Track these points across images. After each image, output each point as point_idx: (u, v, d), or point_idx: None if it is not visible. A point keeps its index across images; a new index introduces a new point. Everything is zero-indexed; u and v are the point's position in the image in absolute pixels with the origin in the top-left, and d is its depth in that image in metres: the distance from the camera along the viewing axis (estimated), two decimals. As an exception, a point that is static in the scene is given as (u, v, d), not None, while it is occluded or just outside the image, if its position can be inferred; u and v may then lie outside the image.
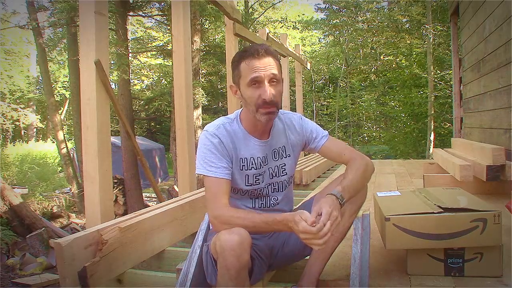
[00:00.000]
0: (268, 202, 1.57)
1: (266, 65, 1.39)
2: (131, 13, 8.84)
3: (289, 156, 1.59)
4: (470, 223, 1.52)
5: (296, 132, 1.60)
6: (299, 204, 1.73)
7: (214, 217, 1.39)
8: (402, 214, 1.58)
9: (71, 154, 10.51)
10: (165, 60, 14.49)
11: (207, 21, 11.32)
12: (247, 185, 1.51)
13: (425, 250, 1.59)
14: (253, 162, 1.50)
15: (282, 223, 1.27)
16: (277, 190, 1.58)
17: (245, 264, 1.28)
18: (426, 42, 12.13)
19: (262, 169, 1.52)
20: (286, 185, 1.60)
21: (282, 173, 1.57)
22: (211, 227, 1.61)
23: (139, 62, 16.12)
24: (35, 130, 19.01)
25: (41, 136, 18.78)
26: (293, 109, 9.45)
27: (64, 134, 10.46)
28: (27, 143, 15.49)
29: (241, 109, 1.55)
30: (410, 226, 1.54)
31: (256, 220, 1.33)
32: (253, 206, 1.55)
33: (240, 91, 1.45)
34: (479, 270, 1.57)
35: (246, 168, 1.50)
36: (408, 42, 13.63)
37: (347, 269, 1.61)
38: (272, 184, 1.56)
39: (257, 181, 1.52)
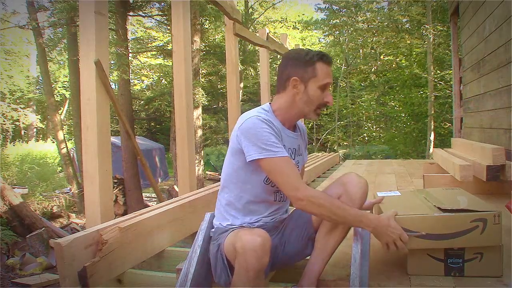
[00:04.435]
0: (284, 196, 1.59)
1: (332, 75, 1.54)
2: (131, 13, 8.84)
3: (301, 155, 1.66)
4: (470, 223, 1.52)
5: (304, 139, 1.71)
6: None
7: (306, 198, 1.39)
8: (402, 215, 1.57)
9: (71, 154, 10.51)
10: (165, 60, 14.50)
11: (207, 21, 11.33)
12: None
13: (425, 250, 1.59)
14: (293, 152, 1.56)
15: (372, 222, 1.41)
16: None
17: (265, 266, 1.29)
18: (426, 42, 12.14)
19: (293, 160, 1.55)
20: None
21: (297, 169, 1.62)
22: (214, 227, 1.60)
23: (139, 62, 16.13)
24: (35, 130, 19.00)
25: (41, 136, 18.77)
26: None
27: (64, 134, 10.47)
28: (27, 143, 15.48)
29: (266, 103, 1.59)
30: (410, 226, 1.54)
31: (349, 212, 1.41)
32: (275, 199, 1.57)
33: (306, 88, 1.50)
34: (479, 270, 1.57)
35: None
36: (408, 42, 13.63)
37: (347, 269, 1.61)
38: None
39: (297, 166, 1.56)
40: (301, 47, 10.60)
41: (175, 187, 8.01)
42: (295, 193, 1.40)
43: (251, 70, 15.85)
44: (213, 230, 1.60)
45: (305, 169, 4.82)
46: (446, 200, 1.67)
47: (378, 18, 14.18)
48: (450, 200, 1.70)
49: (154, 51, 13.42)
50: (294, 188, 1.40)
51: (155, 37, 15.94)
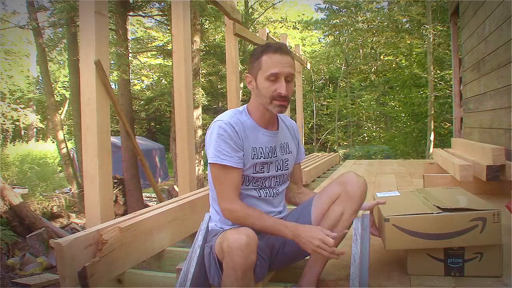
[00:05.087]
0: (271, 192, 1.61)
1: (285, 63, 1.48)
2: (131, 13, 8.84)
3: (291, 153, 1.66)
4: (469, 222, 1.52)
5: (295, 136, 1.71)
6: (300, 205, 1.73)
7: (227, 210, 1.47)
8: (401, 215, 1.58)
9: (71, 154, 10.51)
10: (165, 60, 14.50)
11: (207, 21, 11.32)
12: (254, 172, 1.55)
13: (425, 250, 1.59)
14: (262, 151, 1.55)
15: (290, 230, 1.42)
16: (279, 184, 1.63)
17: (251, 264, 1.30)
18: (426, 42, 12.13)
19: (270, 159, 1.56)
20: (286, 180, 1.67)
21: (285, 167, 1.63)
22: (210, 228, 1.61)
23: (139, 62, 16.13)
24: (35, 130, 19.00)
25: (41, 136, 18.77)
26: (293, 109, 9.44)
27: (64, 134, 10.47)
28: (27, 143, 15.48)
29: (246, 103, 1.61)
30: (410, 226, 1.54)
31: (266, 223, 1.44)
32: (260, 196, 1.58)
33: (256, 82, 1.52)
34: (479, 270, 1.57)
35: (256, 157, 1.53)
36: (408, 42, 13.62)
37: (347, 269, 1.61)
38: (276, 176, 1.60)
39: (262, 170, 1.56)
40: (301, 46, 10.59)
41: (175, 187, 8.01)
42: (221, 204, 1.49)
43: (251, 70, 15.81)
44: (209, 232, 1.62)
45: (306, 169, 4.86)
46: (445, 200, 1.67)
47: (378, 18, 14.17)
48: (449, 199, 1.70)
49: (154, 51, 13.42)
50: (222, 198, 1.48)
51: (155, 37, 15.93)
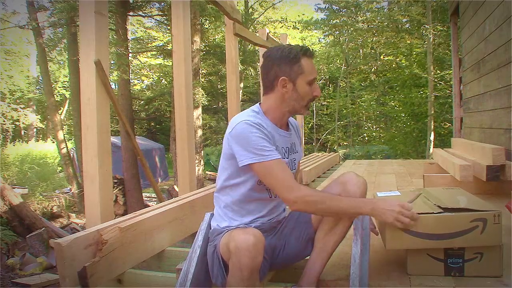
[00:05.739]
0: None
1: (315, 68, 1.54)
2: (131, 13, 8.85)
3: (297, 152, 1.66)
4: (470, 223, 1.52)
5: (298, 135, 1.71)
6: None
7: (300, 198, 1.39)
8: None
9: (71, 154, 10.51)
10: (165, 60, 14.49)
11: (207, 21, 11.33)
12: None
13: (425, 250, 1.59)
14: (282, 151, 1.55)
15: (367, 206, 1.41)
16: None
17: (258, 265, 1.29)
18: (426, 42, 12.12)
19: (286, 159, 1.56)
20: None
21: (294, 167, 1.63)
22: (212, 227, 1.61)
23: (139, 62, 16.13)
24: (35, 130, 19.00)
25: (41, 136, 18.77)
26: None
27: (64, 134, 10.47)
28: (27, 143, 15.48)
29: (256, 104, 1.58)
30: (410, 226, 1.54)
31: (343, 203, 1.42)
32: (271, 196, 1.56)
33: (295, 86, 1.50)
34: (479, 270, 1.57)
35: (283, 157, 1.53)
36: (408, 42, 13.62)
37: (347, 269, 1.61)
38: None
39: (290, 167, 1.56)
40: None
41: (175, 187, 8.01)
42: (288, 195, 1.41)
43: (251, 70, 15.84)
44: (210, 231, 1.61)
45: (306, 169, 4.87)
46: (446, 200, 1.67)
47: (378, 18, 14.17)
48: (450, 199, 1.70)
49: (154, 51, 13.42)
50: (287, 190, 1.41)
51: (155, 37, 15.93)
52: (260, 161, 1.40)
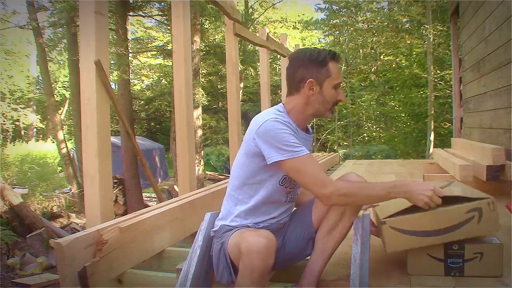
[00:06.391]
0: (294, 197, 1.61)
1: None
2: (131, 13, 8.85)
3: None
4: (465, 214, 1.51)
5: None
6: (301, 205, 1.73)
7: (334, 192, 1.39)
8: (397, 216, 1.57)
9: (71, 154, 10.52)
10: (165, 60, 14.50)
11: (207, 21, 11.34)
12: None
13: (425, 250, 1.59)
14: None
15: (401, 190, 1.39)
16: (298, 187, 1.62)
17: (270, 268, 1.30)
18: (426, 42, 12.13)
19: None
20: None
21: None
22: (218, 225, 1.58)
23: (139, 62, 16.13)
24: (35, 130, 19.01)
25: (41, 136, 18.78)
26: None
27: (64, 134, 10.48)
28: (27, 143, 15.48)
29: (279, 104, 1.57)
30: (407, 226, 1.53)
31: (377, 189, 1.42)
32: (286, 200, 1.57)
33: (322, 89, 1.50)
34: (479, 270, 1.57)
35: None
36: (408, 42, 13.63)
37: (347, 269, 1.61)
38: None
39: None
40: (301, 46, 10.58)
41: (175, 187, 8.01)
42: (323, 191, 1.39)
43: (251, 70, 15.86)
44: (215, 229, 1.59)
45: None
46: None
47: (378, 18, 14.19)
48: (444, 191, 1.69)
49: (154, 51, 13.43)
50: (321, 185, 1.39)
51: (155, 37, 15.95)
52: (292, 157, 1.39)
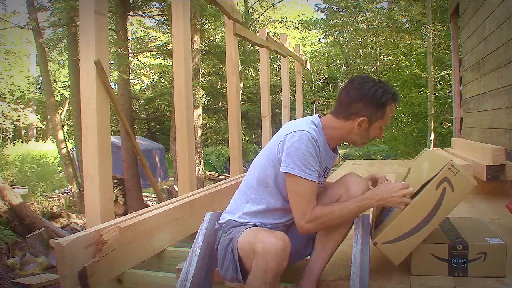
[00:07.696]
0: None
1: None
2: (131, 13, 8.85)
3: (327, 176, 1.67)
4: (436, 191, 1.48)
5: None
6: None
7: (310, 223, 1.42)
8: (382, 230, 1.55)
9: (71, 154, 10.51)
10: (165, 60, 14.50)
11: (207, 21, 11.33)
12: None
13: (429, 250, 1.58)
14: (324, 170, 1.57)
15: (373, 200, 1.44)
16: None
17: (283, 270, 1.31)
18: (426, 42, 12.12)
19: (322, 178, 1.57)
20: None
21: (320, 187, 1.61)
22: (225, 219, 1.58)
23: (139, 62, 16.13)
24: (35, 130, 19.01)
25: (41, 136, 18.78)
26: (293, 109, 9.44)
27: (64, 134, 10.47)
28: (27, 143, 15.49)
29: (314, 116, 1.57)
30: (395, 234, 1.51)
31: (349, 208, 1.44)
32: None
33: (370, 127, 1.51)
34: (483, 270, 1.56)
35: (321, 175, 1.54)
36: (408, 42, 13.62)
37: (347, 269, 1.60)
38: None
39: (319, 187, 1.56)
40: (301, 46, 10.57)
41: (175, 187, 8.01)
42: (301, 219, 1.44)
43: (251, 70, 15.85)
44: (221, 222, 1.58)
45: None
46: (415, 180, 1.63)
47: (378, 18, 14.18)
48: (416, 177, 1.67)
49: (154, 51, 13.41)
50: (301, 213, 1.43)
51: (155, 37, 15.94)
52: (298, 176, 1.41)
